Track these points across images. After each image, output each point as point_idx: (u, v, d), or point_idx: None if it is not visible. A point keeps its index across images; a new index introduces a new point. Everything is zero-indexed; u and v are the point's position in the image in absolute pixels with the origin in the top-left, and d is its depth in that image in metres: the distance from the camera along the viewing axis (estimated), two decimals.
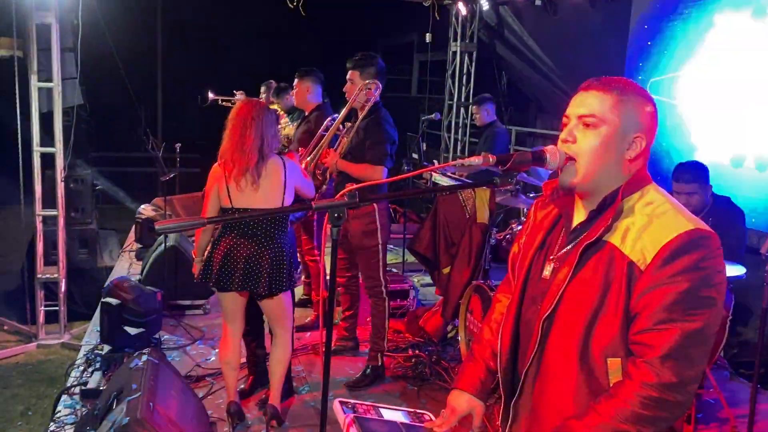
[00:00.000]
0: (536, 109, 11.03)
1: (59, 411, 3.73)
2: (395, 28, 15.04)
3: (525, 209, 4.90)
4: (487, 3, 8.65)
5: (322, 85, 4.97)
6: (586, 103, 1.53)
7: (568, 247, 1.57)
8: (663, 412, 1.40)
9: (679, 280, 1.38)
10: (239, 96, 6.58)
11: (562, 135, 1.56)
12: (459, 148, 9.87)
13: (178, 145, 6.35)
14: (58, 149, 5.32)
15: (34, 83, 5.21)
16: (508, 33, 9.00)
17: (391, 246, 7.10)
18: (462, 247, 4.45)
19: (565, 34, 7.80)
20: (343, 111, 3.97)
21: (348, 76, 3.91)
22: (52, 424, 3.62)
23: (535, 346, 1.56)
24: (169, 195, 6.93)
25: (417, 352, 4.48)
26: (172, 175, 6.29)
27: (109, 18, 6.42)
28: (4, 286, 6.76)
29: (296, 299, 4.82)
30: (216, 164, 3.35)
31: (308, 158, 4.04)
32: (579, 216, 1.60)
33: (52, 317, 5.57)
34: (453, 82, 9.78)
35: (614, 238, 1.48)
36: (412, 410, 1.79)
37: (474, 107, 6.72)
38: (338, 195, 1.62)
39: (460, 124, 9.81)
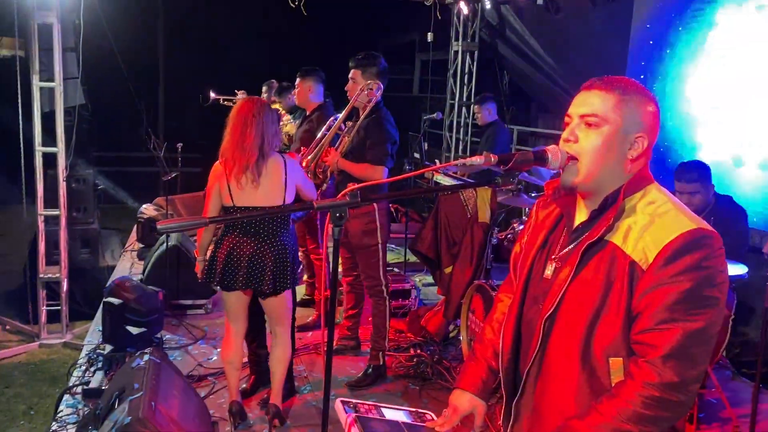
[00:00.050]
0: (538, 108, 11.03)
1: (61, 410, 3.73)
2: (397, 27, 15.05)
3: (526, 209, 4.90)
4: (488, 2, 8.65)
5: (324, 84, 4.98)
6: (588, 102, 1.53)
7: (569, 247, 1.57)
8: (665, 411, 1.40)
9: (681, 279, 1.38)
10: (241, 95, 6.58)
11: (564, 134, 1.55)
12: (461, 147, 9.87)
13: (179, 145, 6.36)
14: (60, 149, 5.32)
15: (36, 83, 5.21)
16: (510, 32, 8.99)
17: (393, 245, 7.11)
18: (464, 246, 4.45)
19: (567, 33, 7.80)
20: (345, 110, 3.98)
21: (350, 75, 3.92)
22: (54, 423, 3.62)
23: (537, 345, 1.56)
24: (171, 195, 6.92)
25: (419, 351, 4.48)
26: (173, 175, 6.30)
27: (111, 18, 6.42)
28: (6, 286, 6.76)
29: (299, 299, 4.84)
30: (217, 162, 3.35)
31: (309, 157, 4.04)
32: (581, 215, 1.60)
33: (54, 317, 5.57)
34: (454, 82, 9.78)
35: (616, 238, 1.47)
36: (414, 410, 1.79)
37: (475, 107, 6.72)
38: (340, 195, 1.62)
39: (462, 124, 9.80)
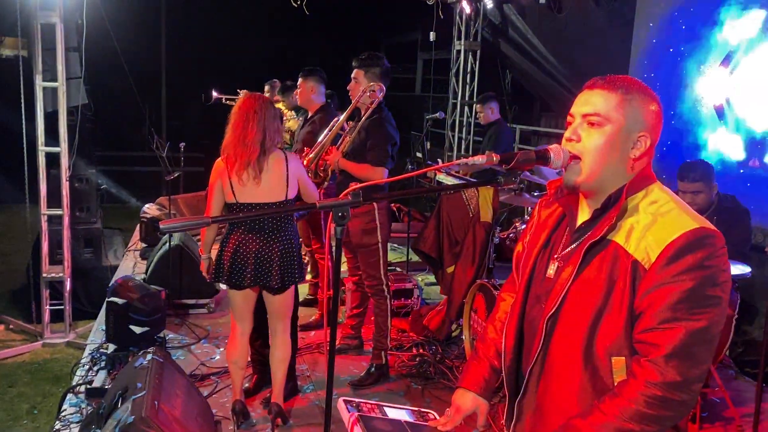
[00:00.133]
0: (540, 107, 11.03)
1: (65, 409, 3.74)
2: (399, 26, 15.05)
3: (529, 208, 4.90)
4: (491, 1, 8.64)
5: (326, 84, 4.99)
6: (590, 101, 1.52)
7: (572, 246, 1.57)
8: (667, 411, 1.40)
9: (684, 278, 1.38)
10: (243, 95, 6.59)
11: (567, 134, 1.55)
12: (463, 146, 9.87)
13: (182, 145, 6.37)
14: (63, 149, 5.34)
15: (39, 83, 5.22)
16: (512, 31, 8.98)
17: (396, 245, 7.11)
18: (466, 246, 4.45)
19: (570, 32, 7.79)
20: (347, 111, 3.99)
21: (353, 75, 3.94)
22: (57, 422, 3.63)
23: (540, 345, 1.56)
24: (174, 194, 6.94)
25: (421, 350, 4.49)
26: (176, 175, 6.31)
27: (114, 17, 6.44)
28: (9, 285, 6.79)
29: (302, 299, 4.84)
30: (219, 159, 3.35)
31: (311, 155, 4.05)
32: (583, 215, 1.60)
33: (57, 316, 5.59)
34: (457, 81, 9.77)
35: (618, 237, 1.47)
36: (417, 409, 1.79)
37: (478, 106, 6.72)
38: (342, 194, 1.62)
39: (464, 123, 9.80)
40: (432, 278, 5.97)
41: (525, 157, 1.54)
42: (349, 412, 1.68)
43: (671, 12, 5.89)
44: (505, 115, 8.25)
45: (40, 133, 5.27)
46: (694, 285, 1.37)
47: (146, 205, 7.40)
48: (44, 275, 5.49)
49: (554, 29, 8.09)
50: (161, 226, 1.53)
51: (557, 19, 7.68)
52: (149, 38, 12.97)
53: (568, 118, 1.57)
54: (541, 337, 1.56)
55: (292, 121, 5.85)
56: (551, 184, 1.69)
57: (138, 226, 7.38)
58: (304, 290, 5.35)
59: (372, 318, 4.19)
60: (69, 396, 3.88)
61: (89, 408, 3.65)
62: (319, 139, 4.14)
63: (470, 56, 9.57)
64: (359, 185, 1.67)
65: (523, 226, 4.59)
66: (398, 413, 1.74)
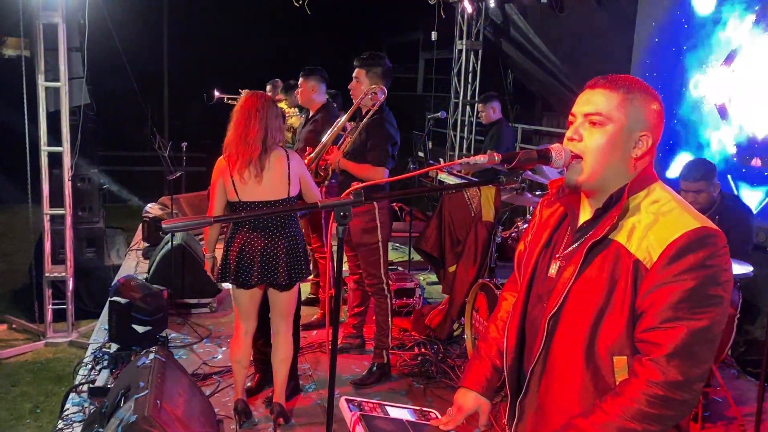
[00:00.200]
0: (542, 107, 11.03)
1: (67, 409, 3.75)
2: (401, 26, 15.05)
3: (530, 207, 4.89)
4: (492, 1, 8.64)
5: (327, 83, 4.99)
6: (592, 101, 1.52)
7: (573, 246, 1.57)
8: (669, 410, 1.40)
9: (685, 278, 1.38)
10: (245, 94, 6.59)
11: (568, 133, 1.55)
12: (465, 146, 9.87)
13: (184, 144, 6.38)
14: (65, 148, 5.35)
15: (41, 83, 5.23)
16: (514, 31, 8.98)
17: (398, 244, 7.12)
18: (467, 245, 4.45)
19: (571, 31, 7.79)
20: (349, 111, 4.00)
21: (354, 74, 3.94)
22: (60, 422, 3.63)
23: (541, 344, 1.56)
24: (176, 194, 6.95)
25: (423, 350, 4.49)
26: (178, 174, 6.32)
27: (116, 17, 6.44)
28: (12, 285, 6.80)
29: (304, 298, 4.84)
30: (220, 157, 3.36)
31: (312, 155, 4.05)
32: (585, 214, 1.60)
33: (59, 316, 5.60)
34: (459, 80, 9.77)
35: (620, 237, 1.47)
36: (419, 408, 1.79)
37: (480, 105, 6.71)
38: (344, 194, 1.62)
39: (466, 122, 9.80)
40: (434, 277, 5.97)
41: (527, 156, 1.54)
42: (351, 411, 1.68)
43: (673, 11, 5.89)
44: (507, 115, 8.26)
45: (43, 132, 5.28)
46: (695, 284, 1.37)
47: (148, 205, 7.40)
48: (47, 275, 5.50)
49: (556, 29, 8.09)
50: (163, 226, 1.53)
51: (559, 18, 7.68)
52: (151, 38, 12.99)
53: (570, 117, 1.57)
54: (542, 336, 1.56)
55: (294, 118, 5.86)
56: (553, 184, 1.69)
57: (140, 225, 7.39)
58: (306, 289, 5.35)
59: (373, 317, 4.19)
60: (72, 395, 3.89)
61: (92, 407, 3.66)
62: (323, 140, 4.15)
63: (472, 56, 9.57)
64: (361, 185, 1.68)
65: (525, 226, 4.59)
66: (400, 412, 1.74)
